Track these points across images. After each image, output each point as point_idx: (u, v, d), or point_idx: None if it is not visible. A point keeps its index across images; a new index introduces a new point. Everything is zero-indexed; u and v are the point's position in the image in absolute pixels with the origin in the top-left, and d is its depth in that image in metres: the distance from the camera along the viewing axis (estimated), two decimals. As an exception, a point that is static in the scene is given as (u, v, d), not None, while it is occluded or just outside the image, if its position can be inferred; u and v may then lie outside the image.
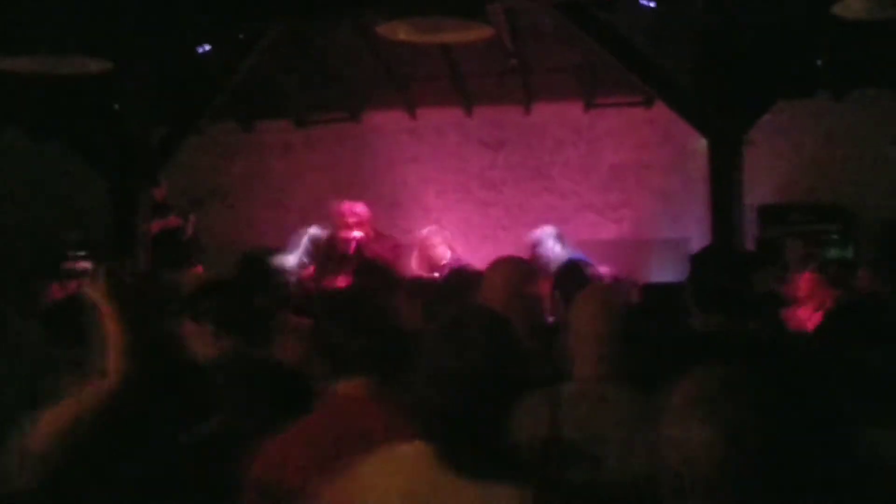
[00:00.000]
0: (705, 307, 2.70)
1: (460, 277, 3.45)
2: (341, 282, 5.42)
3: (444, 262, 6.11)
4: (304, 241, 6.09)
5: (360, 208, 6.30)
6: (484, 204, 8.63)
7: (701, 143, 6.24)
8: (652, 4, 5.95)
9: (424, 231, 6.51)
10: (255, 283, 3.54)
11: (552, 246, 6.06)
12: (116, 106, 5.75)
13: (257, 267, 3.62)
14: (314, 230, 6.23)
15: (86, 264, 2.61)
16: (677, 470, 1.21)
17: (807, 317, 4.89)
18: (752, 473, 1.15)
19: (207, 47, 6.44)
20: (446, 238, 6.34)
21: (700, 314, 2.71)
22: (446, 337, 1.63)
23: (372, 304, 2.09)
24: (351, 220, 6.19)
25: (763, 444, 1.15)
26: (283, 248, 6.34)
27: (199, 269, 4.05)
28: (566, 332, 2.27)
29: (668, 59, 5.81)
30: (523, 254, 5.75)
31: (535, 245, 6.11)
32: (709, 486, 1.18)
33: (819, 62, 4.90)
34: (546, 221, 7.09)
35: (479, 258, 5.80)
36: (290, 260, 6.03)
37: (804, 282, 5.43)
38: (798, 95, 5.48)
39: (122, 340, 2.49)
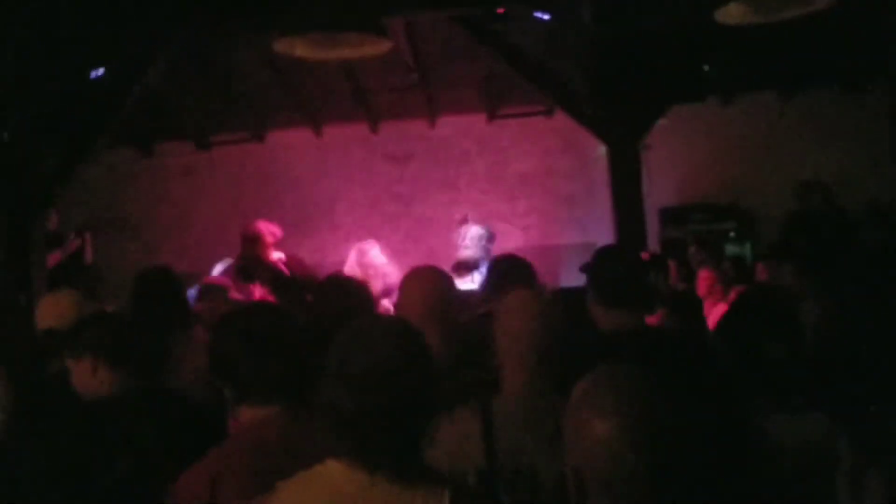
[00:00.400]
0: (606, 301, 2.75)
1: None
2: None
3: (381, 269, 6.13)
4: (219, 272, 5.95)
5: (276, 228, 6.23)
6: (393, 217, 8.64)
7: (601, 149, 6.41)
8: (546, 17, 6.08)
9: (359, 245, 6.53)
10: (155, 298, 3.44)
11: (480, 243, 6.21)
12: (4, 135, 5.51)
13: (155, 280, 3.51)
14: (221, 266, 6.09)
15: None
16: (576, 465, 1.23)
17: (707, 312, 5.07)
18: (650, 467, 1.17)
19: (101, 71, 6.24)
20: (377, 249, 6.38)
21: (602, 311, 2.76)
22: (355, 343, 1.63)
23: (275, 323, 2.01)
24: (269, 239, 6.10)
25: (660, 437, 1.17)
26: (185, 273, 6.20)
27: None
28: (493, 341, 2.18)
29: (564, 70, 5.95)
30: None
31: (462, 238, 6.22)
32: (607, 482, 1.19)
33: (707, 67, 5.09)
34: (452, 232, 7.17)
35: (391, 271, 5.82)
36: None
37: (701, 280, 5.65)
38: (689, 100, 5.67)
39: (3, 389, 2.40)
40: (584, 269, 2.91)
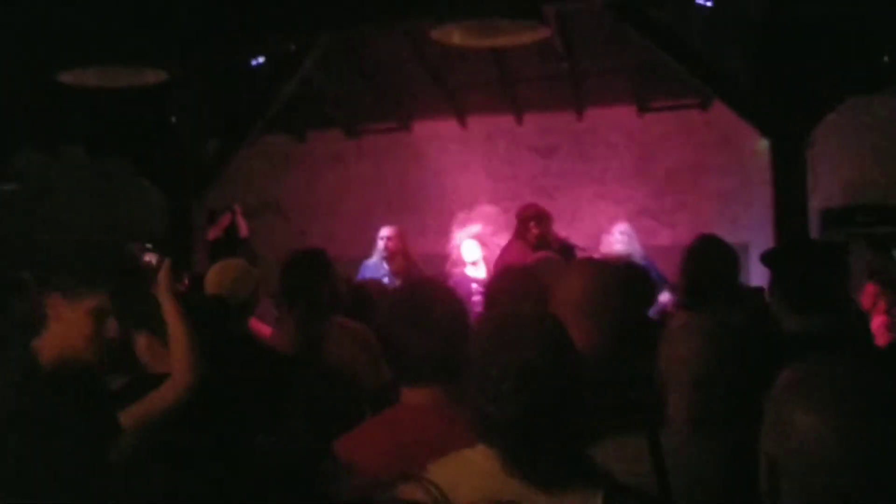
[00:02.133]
0: (800, 308, 2.51)
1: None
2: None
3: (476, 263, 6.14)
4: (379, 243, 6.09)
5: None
6: (536, 211, 8.53)
7: (760, 145, 6.07)
8: (708, 3, 5.83)
9: (458, 238, 6.54)
10: (312, 278, 3.52)
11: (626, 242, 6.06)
12: (173, 119, 5.81)
13: (313, 262, 3.59)
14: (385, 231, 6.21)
15: (151, 257, 2.61)
16: (772, 455, 1.14)
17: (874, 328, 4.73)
18: (852, 468, 1.06)
19: (261, 59, 6.48)
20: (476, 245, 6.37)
21: (793, 316, 2.53)
22: (496, 339, 1.55)
23: (439, 308, 1.96)
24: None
25: (866, 439, 1.07)
26: (335, 258, 6.34)
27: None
28: (659, 370, 2.00)
29: (726, 59, 5.67)
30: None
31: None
32: (804, 477, 1.10)
33: (886, 58, 4.71)
34: (600, 228, 7.00)
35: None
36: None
37: (867, 295, 5.25)
38: (864, 92, 5.27)
39: (186, 337, 2.52)
40: (768, 262, 2.68)
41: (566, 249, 5.94)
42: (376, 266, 6.05)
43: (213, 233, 6.65)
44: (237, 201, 7.50)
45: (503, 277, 3.05)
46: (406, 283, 2.17)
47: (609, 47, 7.05)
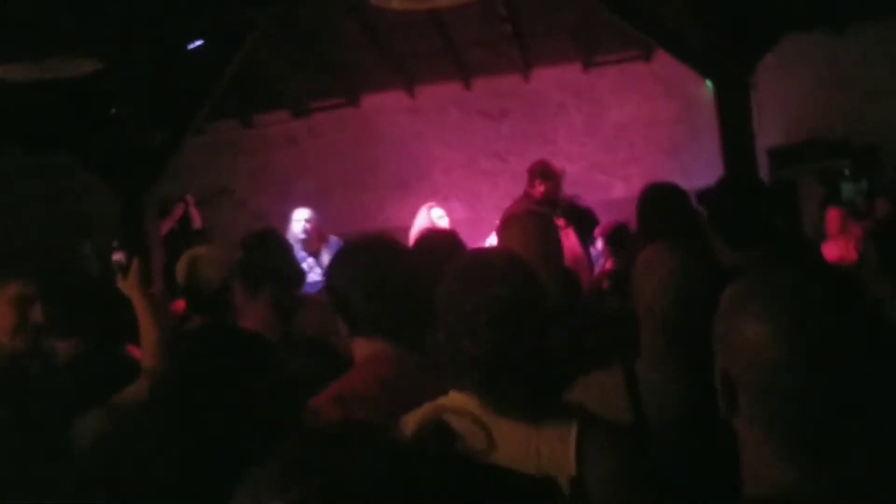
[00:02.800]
0: (735, 243, 2.57)
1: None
2: None
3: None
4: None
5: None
6: (491, 175, 8.57)
7: (706, 91, 6.13)
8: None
9: (432, 209, 6.47)
10: (275, 256, 3.49)
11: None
12: (113, 110, 5.70)
13: (271, 240, 3.55)
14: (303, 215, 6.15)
15: (120, 256, 2.61)
16: (725, 369, 1.16)
17: (843, 251, 4.83)
18: (803, 373, 1.08)
19: (198, 43, 6.37)
20: (443, 213, 6.34)
21: (730, 251, 2.59)
22: (468, 278, 1.58)
23: (388, 266, 1.96)
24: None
25: (815, 343, 1.09)
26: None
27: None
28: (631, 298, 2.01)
29: (664, 6, 5.70)
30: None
31: None
32: (757, 388, 1.12)
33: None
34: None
35: (492, 229, 5.75)
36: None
37: (831, 219, 5.36)
38: (801, 28, 5.33)
39: (156, 335, 2.52)
40: (703, 201, 2.74)
41: (572, 209, 5.91)
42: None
43: (167, 225, 6.56)
44: (189, 191, 7.41)
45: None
46: (354, 241, 2.16)
47: (551, 5, 7.05)
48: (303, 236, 5.89)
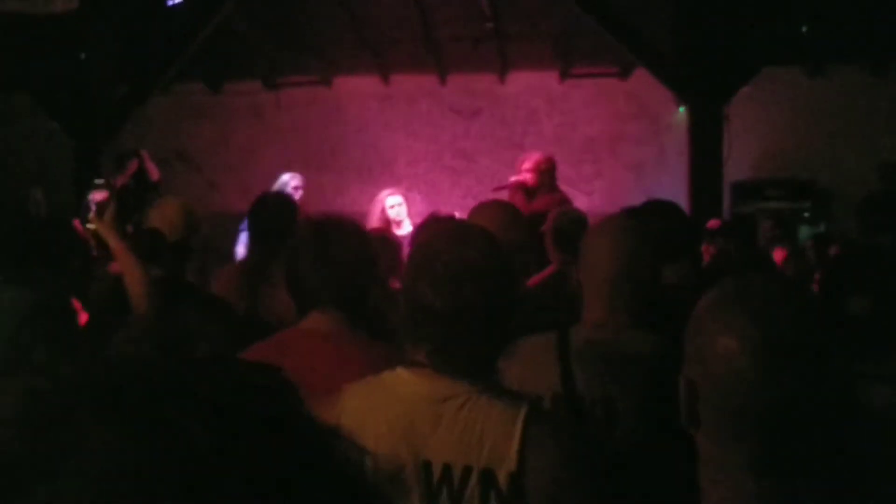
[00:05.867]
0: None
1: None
2: None
3: (401, 223, 6.00)
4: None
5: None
6: (455, 173, 8.53)
7: (676, 117, 6.19)
8: (633, -29, 5.87)
9: (389, 195, 6.37)
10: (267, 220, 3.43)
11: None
12: (82, 55, 5.51)
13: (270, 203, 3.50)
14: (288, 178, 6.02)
15: (102, 194, 2.61)
16: (691, 378, 1.14)
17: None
18: (772, 394, 1.07)
19: (178, 1, 6.21)
20: (401, 200, 6.22)
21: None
22: (442, 240, 1.58)
23: (337, 237, 1.99)
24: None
25: (787, 363, 1.07)
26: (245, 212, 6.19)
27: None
28: (577, 271, 2.14)
29: (647, 25, 5.74)
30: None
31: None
32: (723, 402, 1.10)
33: (804, 28, 4.84)
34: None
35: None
36: None
37: (775, 260, 5.42)
38: (781, 63, 5.41)
39: (141, 273, 2.50)
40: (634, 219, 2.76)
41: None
42: None
43: (122, 180, 6.37)
44: (145, 148, 7.23)
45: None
46: (310, 218, 2.21)
47: (534, 11, 7.05)
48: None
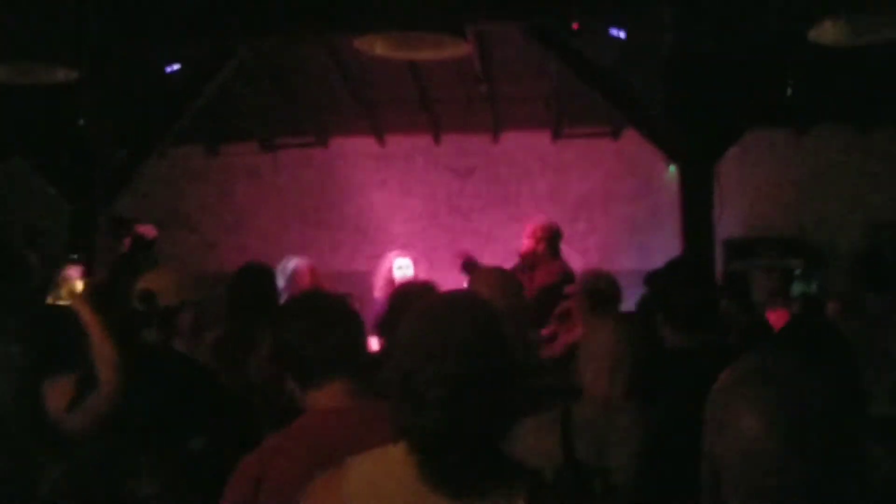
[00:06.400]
0: (677, 325, 2.62)
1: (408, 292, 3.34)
2: None
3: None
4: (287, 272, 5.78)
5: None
6: (452, 231, 8.58)
7: (667, 175, 6.27)
8: (622, 35, 6.00)
9: (396, 258, 6.36)
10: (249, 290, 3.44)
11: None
12: (81, 121, 5.60)
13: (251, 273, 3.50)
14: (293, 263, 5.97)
15: (75, 270, 2.59)
16: (715, 453, 1.15)
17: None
18: (795, 472, 1.08)
19: (176, 66, 6.33)
20: (409, 262, 6.19)
21: (671, 332, 2.63)
22: (429, 317, 1.47)
23: (331, 303, 2.00)
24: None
25: (811, 443, 1.08)
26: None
27: None
28: (579, 350, 2.30)
29: (638, 88, 5.85)
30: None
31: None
32: (746, 478, 1.11)
33: (789, 91, 4.95)
34: (514, 250, 7.08)
35: (445, 285, 5.70)
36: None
37: (772, 321, 5.43)
38: (768, 124, 5.52)
39: (111, 351, 2.49)
40: (651, 284, 2.79)
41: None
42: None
43: (116, 256, 6.38)
44: (145, 212, 7.27)
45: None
46: (298, 293, 2.23)
47: (527, 73, 7.18)
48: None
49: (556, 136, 8.48)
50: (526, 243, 5.83)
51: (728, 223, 7.65)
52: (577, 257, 8.45)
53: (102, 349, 2.53)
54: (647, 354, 2.22)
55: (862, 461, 1.12)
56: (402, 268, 6.11)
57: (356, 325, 2.00)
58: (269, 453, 1.90)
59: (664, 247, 7.35)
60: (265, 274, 3.56)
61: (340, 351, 1.93)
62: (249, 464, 1.88)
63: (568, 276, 5.54)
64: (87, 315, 2.56)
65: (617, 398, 2.16)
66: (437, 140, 8.63)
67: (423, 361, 1.40)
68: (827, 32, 3.33)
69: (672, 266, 2.89)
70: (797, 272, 7.59)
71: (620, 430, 2.05)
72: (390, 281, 5.93)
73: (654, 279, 2.90)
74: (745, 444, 1.11)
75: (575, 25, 5.68)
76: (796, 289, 7.25)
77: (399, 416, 1.41)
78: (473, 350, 1.40)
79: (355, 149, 8.70)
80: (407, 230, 8.58)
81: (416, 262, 6.16)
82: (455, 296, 1.60)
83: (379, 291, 5.94)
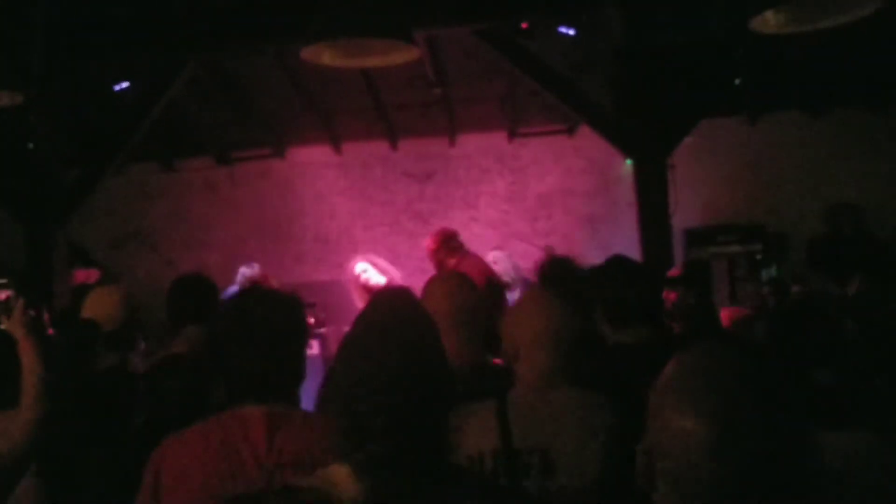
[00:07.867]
0: (614, 323, 2.65)
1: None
2: None
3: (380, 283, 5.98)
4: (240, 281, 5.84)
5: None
6: (413, 236, 8.57)
7: (624, 169, 6.33)
8: (571, 32, 6.05)
9: (355, 265, 6.34)
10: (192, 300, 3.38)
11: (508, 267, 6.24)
12: (30, 145, 5.51)
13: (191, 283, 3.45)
14: (246, 270, 5.99)
15: (6, 294, 2.54)
16: (649, 449, 1.16)
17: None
18: (728, 471, 1.10)
19: (125, 84, 6.26)
20: (380, 266, 6.18)
21: (609, 329, 2.66)
22: (359, 345, 1.46)
23: (271, 325, 1.88)
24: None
25: (744, 444, 1.10)
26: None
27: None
28: (505, 335, 2.26)
29: (589, 84, 5.90)
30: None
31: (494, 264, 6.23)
32: (679, 475, 1.13)
33: (738, 81, 5.02)
34: (475, 251, 7.10)
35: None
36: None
37: (724, 318, 5.48)
38: (719, 114, 5.59)
39: (36, 373, 2.44)
40: (588, 281, 2.82)
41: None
42: None
43: (82, 274, 6.33)
44: (102, 231, 7.20)
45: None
46: (236, 295, 2.09)
47: (479, 75, 7.21)
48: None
49: (513, 136, 8.52)
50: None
51: (687, 212, 7.74)
52: (539, 255, 8.51)
53: (30, 374, 2.48)
54: (571, 334, 2.19)
55: (801, 451, 1.14)
56: (365, 271, 6.09)
57: (292, 339, 1.91)
58: (182, 444, 1.87)
59: (624, 240, 7.43)
60: (199, 284, 3.51)
61: (252, 380, 1.87)
62: (163, 453, 1.86)
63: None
64: (20, 337, 2.51)
65: (551, 382, 2.15)
66: (394, 146, 8.63)
67: (363, 391, 1.40)
68: (768, 21, 3.40)
69: (608, 264, 2.91)
70: (757, 257, 7.73)
71: (553, 410, 2.08)
72: (363, 286, 5.92)
73: (590, 277, 2.94)
74: (679, 437, 1.13)
75: (524, 25, 5.72)
76: (764, 274, 7.37)
77: (344, 442, 1.42)
78: (408, 378, 1.40)
79: (312, 159, 8.67)
80: (369, 237, 8.56)
81: (376, 264, 6.12)
82: (388, 316, 1.53)
83: (359, 301, 5.95)
